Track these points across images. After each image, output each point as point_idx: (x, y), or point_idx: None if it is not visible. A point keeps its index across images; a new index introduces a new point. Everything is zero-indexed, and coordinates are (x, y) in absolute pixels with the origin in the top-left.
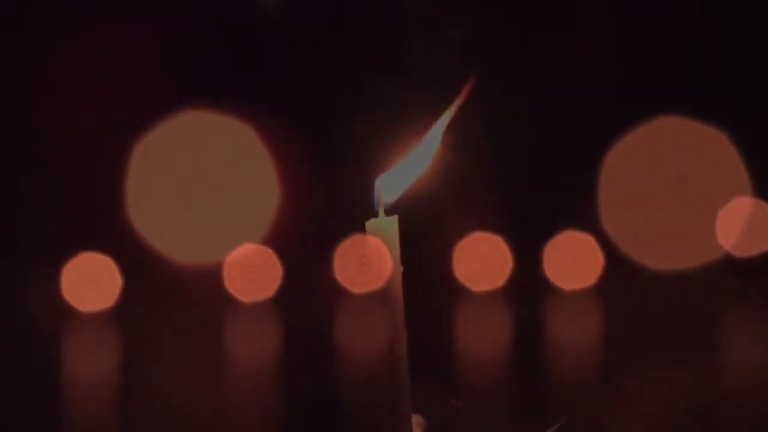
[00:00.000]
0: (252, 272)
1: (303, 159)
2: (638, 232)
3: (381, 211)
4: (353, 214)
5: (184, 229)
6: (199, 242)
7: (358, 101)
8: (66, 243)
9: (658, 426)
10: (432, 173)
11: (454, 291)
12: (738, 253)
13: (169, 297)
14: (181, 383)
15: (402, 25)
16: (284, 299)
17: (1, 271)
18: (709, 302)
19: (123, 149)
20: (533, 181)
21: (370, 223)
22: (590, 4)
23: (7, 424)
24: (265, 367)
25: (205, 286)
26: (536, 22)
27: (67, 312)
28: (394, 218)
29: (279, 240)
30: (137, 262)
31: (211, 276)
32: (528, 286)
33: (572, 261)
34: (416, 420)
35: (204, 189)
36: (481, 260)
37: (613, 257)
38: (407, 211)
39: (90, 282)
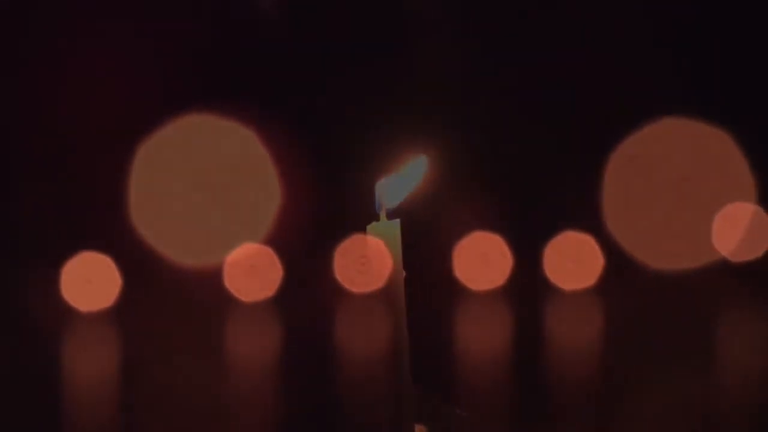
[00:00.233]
0: (252, 272)
1: (303, 160)
2: (639, 232)
3: (383, 216)
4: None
5: (185, 230)
6: (200, 243)
7: (359, 104)
8: (66, 243)
9: (658, 425)
10: (432, 175)
11: (454, 291)
12: (735, 258)
13: (169, 297)
14: (181, 382)
15: (403, 28)
16: (284, 299)
17: (1, 271)
18: (708, 302)
19: (124, 150)
20: (533, 181)
21: (372, 227)
22: (591, 5)
23: (7, 424)
24: (265, 367)
25: (206, 287)
26: (536, 23)
27: (67, 312)
28: (396, 222)
29: (279, 240)
30: (137, 262)
31: (212, 276)
32: (528, 286)
33: (572, 261)
34: (419, 429)
35: (205, 190)
36: (481, 260)
37: (613, 257)
38: (408, 213)
39: (90, 282)
